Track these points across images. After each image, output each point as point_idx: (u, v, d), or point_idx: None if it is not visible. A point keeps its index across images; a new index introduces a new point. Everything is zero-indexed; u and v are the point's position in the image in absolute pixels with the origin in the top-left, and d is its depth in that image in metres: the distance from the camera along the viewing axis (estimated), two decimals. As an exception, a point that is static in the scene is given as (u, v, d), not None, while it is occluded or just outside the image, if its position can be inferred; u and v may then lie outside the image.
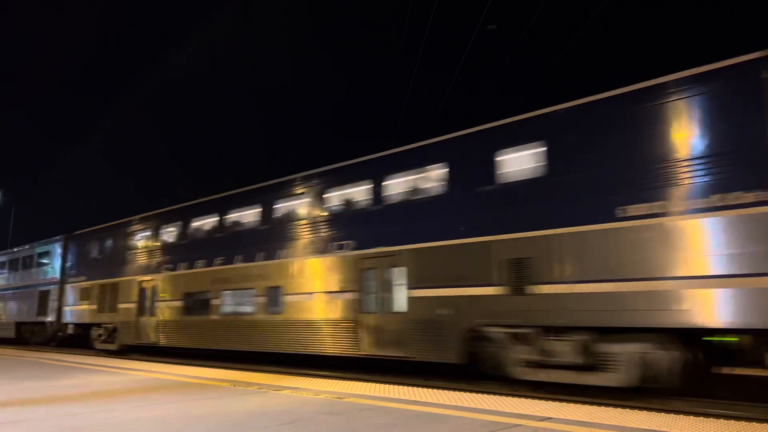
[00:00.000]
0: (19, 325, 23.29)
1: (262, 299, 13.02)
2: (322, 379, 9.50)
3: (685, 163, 7.68)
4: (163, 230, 16.87)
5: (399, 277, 10.58)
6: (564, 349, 8.36)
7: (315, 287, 11.97)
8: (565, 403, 6.82)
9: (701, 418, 6.46)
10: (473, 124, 10.24)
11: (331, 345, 11.59)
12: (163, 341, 15.76)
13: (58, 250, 21.72)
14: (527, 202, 9.00)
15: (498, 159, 9.54)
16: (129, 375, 9.85)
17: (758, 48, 7.38)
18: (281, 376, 10.90)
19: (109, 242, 19.11)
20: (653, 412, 6.47)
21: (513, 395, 8.61)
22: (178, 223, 16.24)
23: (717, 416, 7.21)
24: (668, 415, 6.19)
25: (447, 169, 10.23)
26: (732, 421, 6.07)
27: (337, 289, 11.50)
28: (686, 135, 7.80)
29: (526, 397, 8.28)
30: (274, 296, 12.73)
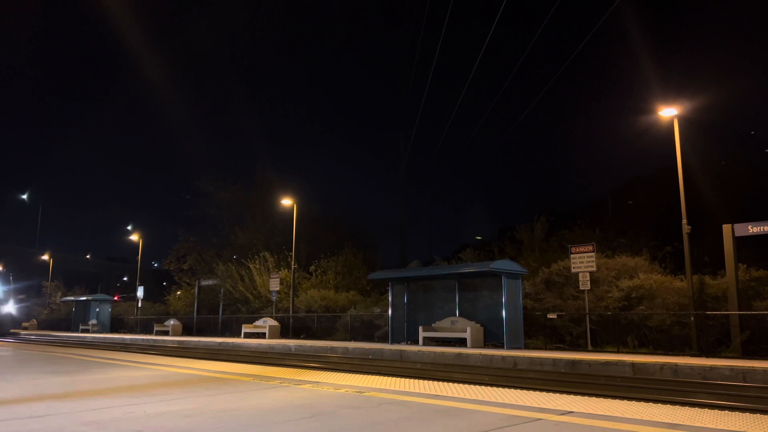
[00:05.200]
0: None
1: None
2: (342, 374, 9.54)
3: None
4: None
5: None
6: None
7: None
8: (586, 397, 6.77)
9: (726, 411, 6.36)
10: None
11: None
12: None
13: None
14: None
15: None
16: (152, 370, 9.99)
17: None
18: (302, 370, 10.97)
19: None
20: (677, 406, 6.39)
21: (533, 389, 8.57)
22: None
23: (743, 410, 7.10)
24: (692, 409, 6.11)
25: None
26: (758, 414, 5.97)
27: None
28: None
29: (547, 391, 8.24)
30: None
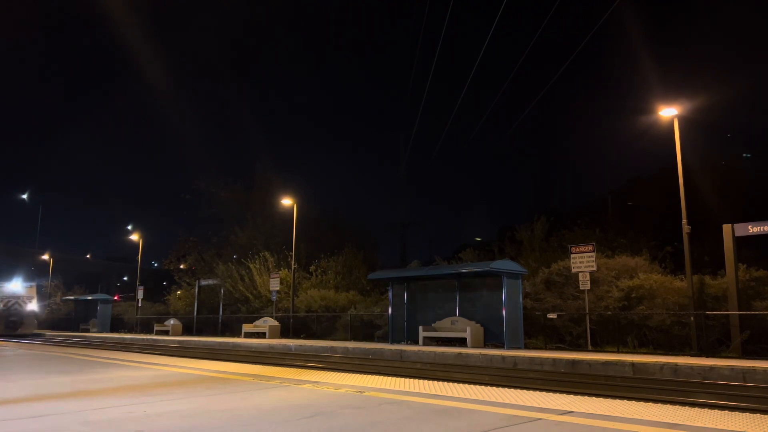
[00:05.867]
0: None
1: None
2: (342, 374, 9.54)
3: None
4: None
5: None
6: None
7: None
8: (586, 397, 6.77)
9: (726, 411, 6.36)
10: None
11: None
12: None
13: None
14: None
15: None
16: (152, 370, 9.99)
17: None
18: (302, 370, 10.98)
19: None
20: (677, 406, 6.39)
21: (533, 389, 8.57)
22: None
23: (743, 410, 7.10)
24: (692, 409, 6.11)
25: None
26: (759, 414, 5.97)
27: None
28: None
29: (547, 391, 8.25)
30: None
